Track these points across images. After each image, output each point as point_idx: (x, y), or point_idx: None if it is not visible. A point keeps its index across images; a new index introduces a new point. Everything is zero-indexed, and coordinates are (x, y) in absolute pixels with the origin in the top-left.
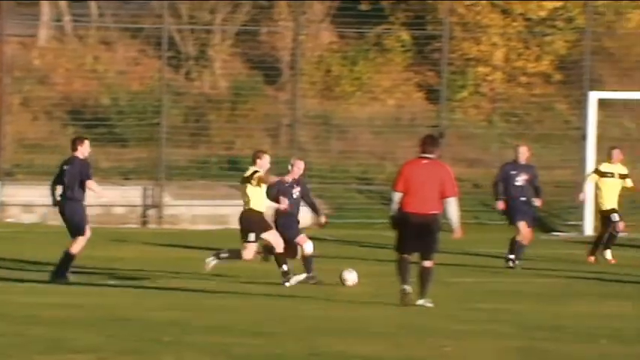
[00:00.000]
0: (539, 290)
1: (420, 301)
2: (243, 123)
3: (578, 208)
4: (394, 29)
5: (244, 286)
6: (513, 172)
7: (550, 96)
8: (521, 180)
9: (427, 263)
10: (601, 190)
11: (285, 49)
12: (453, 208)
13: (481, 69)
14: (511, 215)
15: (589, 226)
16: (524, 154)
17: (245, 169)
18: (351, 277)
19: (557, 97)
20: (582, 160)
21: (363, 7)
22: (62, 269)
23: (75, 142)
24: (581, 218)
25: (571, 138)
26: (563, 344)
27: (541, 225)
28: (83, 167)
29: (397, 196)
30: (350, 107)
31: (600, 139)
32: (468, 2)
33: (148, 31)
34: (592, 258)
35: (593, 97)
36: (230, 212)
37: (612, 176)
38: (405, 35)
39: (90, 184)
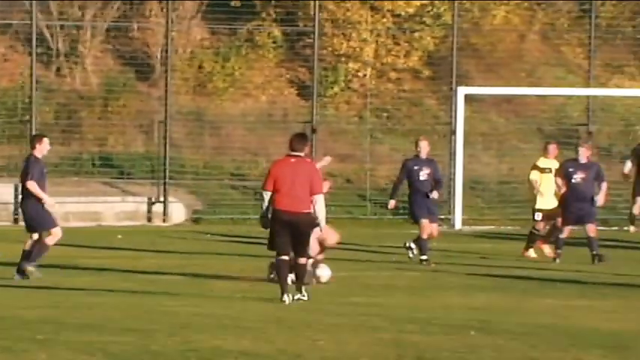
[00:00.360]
0: (411, 283)
1: (297, 296)
2: (115, 119)
3: (447, 202)
4: (266, 25)
5: (114, 283)
6: (416, 168)
7: (419, 91)
8: (424, 174)
9: (302, 260)
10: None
11: (156, 46)
12: (318, 206)
13: (352, 65)
14: (413, 211)
15: (458, 220)
16: (425, 148)
17: (118, 166)
18: (324, 273)
19: (427, 93)
20: (451, 155)
21: (235, 3)
22: (31, 259)
23: (33, 140)
24: (450, 212)
25: (440, 133)
26: (432, 336)
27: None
28: (29, 166)
29: (267, 195)
30: (223, 103)
31: (468, 134)
32: None
33: (17, 27)
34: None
35: (461, 92)
36: (103, 209)
37: (550, 172)
38: (277, 31)
39: (29, 184)
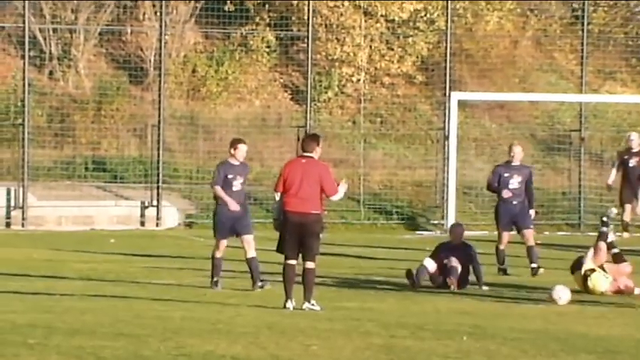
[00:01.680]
0: (402, 289)
1: (306, 305)
2: (108, 123)
3: (439, 207)
4: (259, 30)
5: (106, 287)
6: (506, 175)
7: (413, 97)
8: (514, 182)
9: (309, 265)
10: None
11: (150, 49)
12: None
13: (345, 70)
14: (498, 220)
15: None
16: (519, 154)
17: (111, 170)
18: (563, 295)
19: (420, 98)
20: (445, 160)
21: (229, 7)
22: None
23: (230, 145)
24: (443, 217)
25: (433, 138)
26: (424, 341)
27: (408, 224)
28: (215, 170)
29: (278, 197)
30: (216, 108)
31: (461, 139)
32: (331, 3)
33: (9, 30)
34: None
35: (454, 97)
36: (96, 213)
37: None
38: (271, 36)
39: (213, 189)
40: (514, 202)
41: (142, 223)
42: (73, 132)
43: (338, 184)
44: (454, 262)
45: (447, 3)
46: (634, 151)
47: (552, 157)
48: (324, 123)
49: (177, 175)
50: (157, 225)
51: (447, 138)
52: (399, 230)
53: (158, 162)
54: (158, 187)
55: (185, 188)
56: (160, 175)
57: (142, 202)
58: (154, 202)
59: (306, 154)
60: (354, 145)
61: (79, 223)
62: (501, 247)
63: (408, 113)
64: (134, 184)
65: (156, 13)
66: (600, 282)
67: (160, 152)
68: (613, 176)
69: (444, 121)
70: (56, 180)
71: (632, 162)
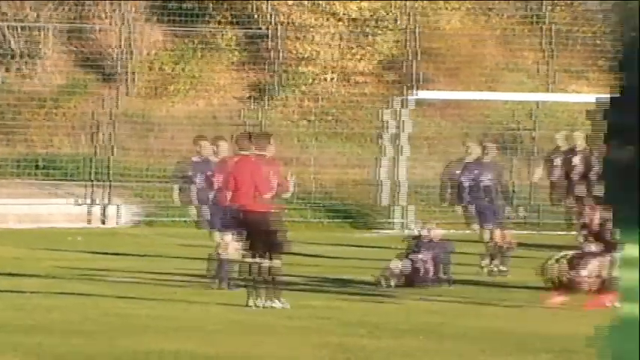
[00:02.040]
0: (366, 288)
1: (268, 303)
2: (61, 121)
3: (391, 205)
4: (221, 28)
5: (67, 285)
6: (477, 172)
7: (370, 95)
8: (486, 180)
9: (271, 263)
10: None
11: (110, 47)
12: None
13: (307, 68)
14: (479, 219)
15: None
16: (492, 150)
17: (62, 168)
18: None
19: (376, 97)
20: (396, 159)
21: (188, 5)
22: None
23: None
24: (403, 216)
25: (385, 137)
26: (380, 340)
27: (363, 223)
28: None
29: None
30: (174, 106)
31: (415, 138)
32: (291, 2)
33: None
34: None
35: (410, 96)
36: (46, 211)
37: None
38: (232, 34)
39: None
40: (487, 200)
41: (89, 221)
42: (25, 130)
43: (286, 181)
44: (429, 264)
45: (405, 2)
46: (562, 150)
47: (504, 155)
48: (278, 122)
49: (128, 173)
50: (103, 222)
51: (398, 136)
52: (349, 229)
53: (109, 160)
54: (110, 186)
55: (137, 186)
56: (111, 174)
57: (93, 200)
58: (105, 201)
59: (241, 152)
60: (307, 143)
61: (29, 221)
62: (497, 243)
63: (360, 112)
64: (85, 182)
65: (114, 10)
66: (563, 267)
67: (113, 150)
68: (538, 174)
69: (397, 120)
70: (6, 178)
71: (558, 161)
